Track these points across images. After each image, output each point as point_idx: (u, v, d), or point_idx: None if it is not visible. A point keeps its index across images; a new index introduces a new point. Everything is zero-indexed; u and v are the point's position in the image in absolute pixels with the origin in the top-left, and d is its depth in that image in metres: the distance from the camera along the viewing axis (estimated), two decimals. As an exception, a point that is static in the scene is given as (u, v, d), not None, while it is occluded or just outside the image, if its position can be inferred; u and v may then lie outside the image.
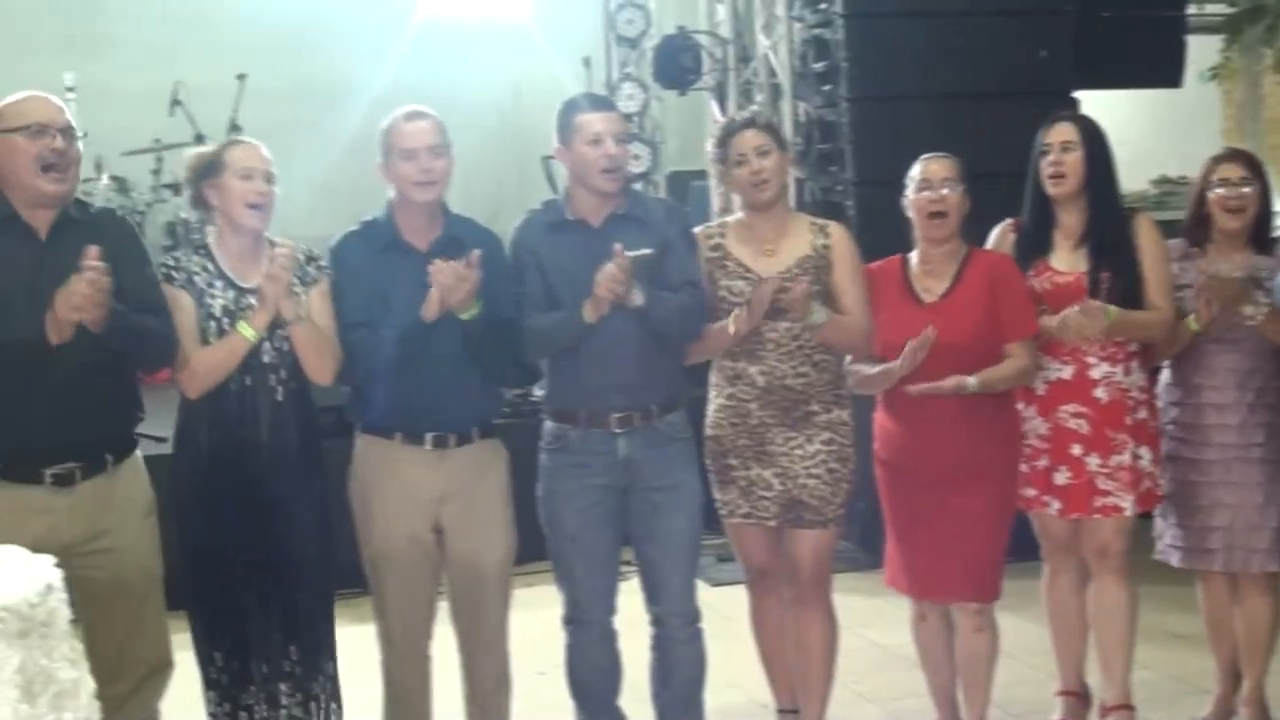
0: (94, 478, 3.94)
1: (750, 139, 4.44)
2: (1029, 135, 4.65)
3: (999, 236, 4.72)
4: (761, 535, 4.54)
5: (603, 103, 4.54)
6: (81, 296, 3.66)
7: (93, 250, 3.68)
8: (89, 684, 2.75)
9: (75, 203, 4.04)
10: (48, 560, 2.79)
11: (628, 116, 4.48)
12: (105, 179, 9.02)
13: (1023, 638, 5.17)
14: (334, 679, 4.27)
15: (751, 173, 4.41)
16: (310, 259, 4.18)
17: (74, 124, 3.94)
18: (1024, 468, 4.59)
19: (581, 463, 4.35)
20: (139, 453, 4.13)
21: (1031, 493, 4.61)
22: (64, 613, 2.71)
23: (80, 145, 3.96)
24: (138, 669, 4.01)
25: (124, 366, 4.03)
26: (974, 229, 4.58)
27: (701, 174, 9.33)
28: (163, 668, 4.11)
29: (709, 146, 4.63)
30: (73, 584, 3.25)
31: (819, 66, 7.69)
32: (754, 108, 7.24)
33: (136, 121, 9.16)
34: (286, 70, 9.68)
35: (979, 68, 7.29)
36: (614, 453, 4.33)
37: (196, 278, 4.10)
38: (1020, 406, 4.59)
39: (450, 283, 4.01)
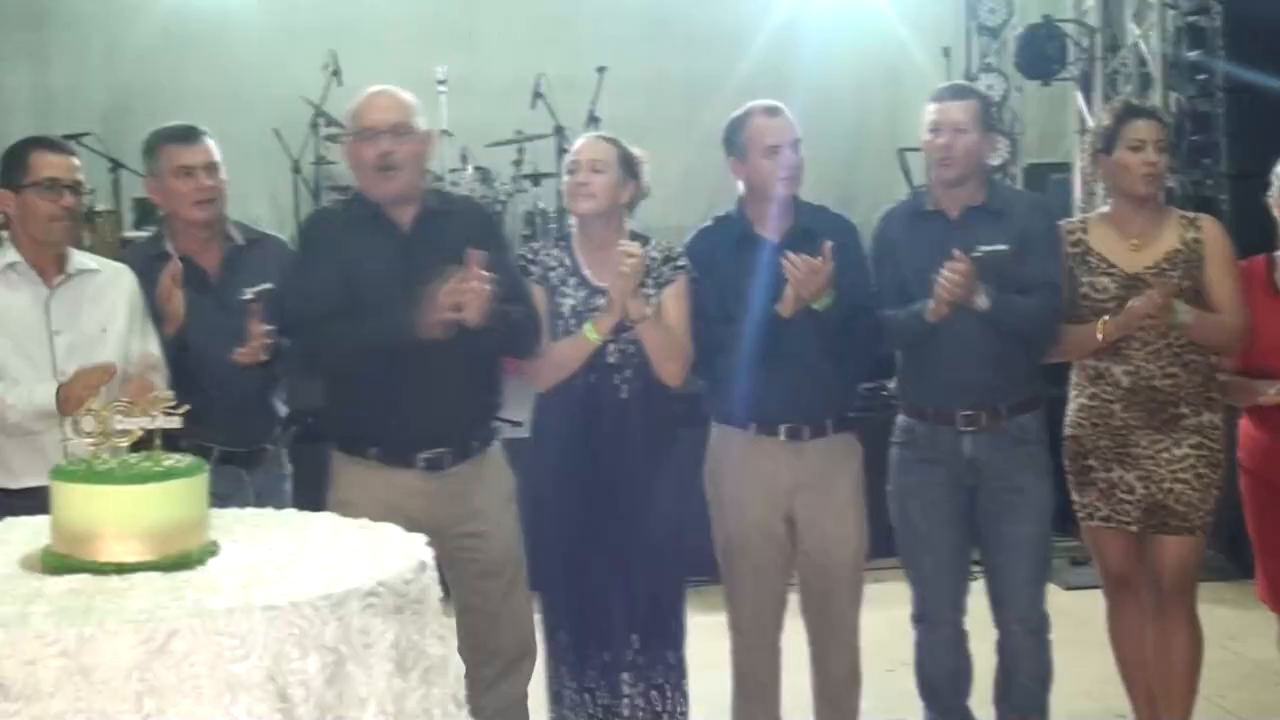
0: (462, 463, 4.05)
1: (1152, 129, 4.31)
2: None
3: None
4: (1122, 540, 4.38)
5: (949, 92, 4.44)
6: (463, 296, 3.76)
7: (477, 255, 3.78)
8: (457, 662, 2.83)
9: (435, 193, 4.18)
10: (420, 539, 2.89)
11: (991, 108, 4.38)
12: (470, 170, 9.30)
13: None
14: (678, 668, 4.29)
15: (1146, 163, 4.26)
16: (668, 259, 4.20)
17: (409, 120, 4.00)
18: None
19: (928, 459, 4.31)
20: (498, 440, 4.23)
21: None
22: (435, 590, 2.79)
23: (416, 139, 4.01)
24: (505, 652, 4.11)
25: (490, 355, 4.13)
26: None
27: (1062, 166, 9.10)
28: (529, 653, 4.19)
29: (1103, 121, 4.47)
30: (444, 567, 3.35)
31: (1193, 55, 7.39)
32: (1121, 97, 7.02)
33: (500, 114, 9.40)
34: (645, 63, 9.78)
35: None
36: (959, 451, 4.27)
37: (552, 273, 4.18)
38: None
39: (803, 275, 4.00)
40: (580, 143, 4.29)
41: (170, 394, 2.85)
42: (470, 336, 3.85)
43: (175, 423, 2.81)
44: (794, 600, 4.37)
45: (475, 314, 3.78)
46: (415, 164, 4.04)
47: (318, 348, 4.00)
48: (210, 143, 4.23)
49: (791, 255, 4.01)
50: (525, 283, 4.13)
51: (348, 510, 3.49)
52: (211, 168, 4.20)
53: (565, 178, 4.23)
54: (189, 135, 4.22)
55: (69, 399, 3.65)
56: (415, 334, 3.81)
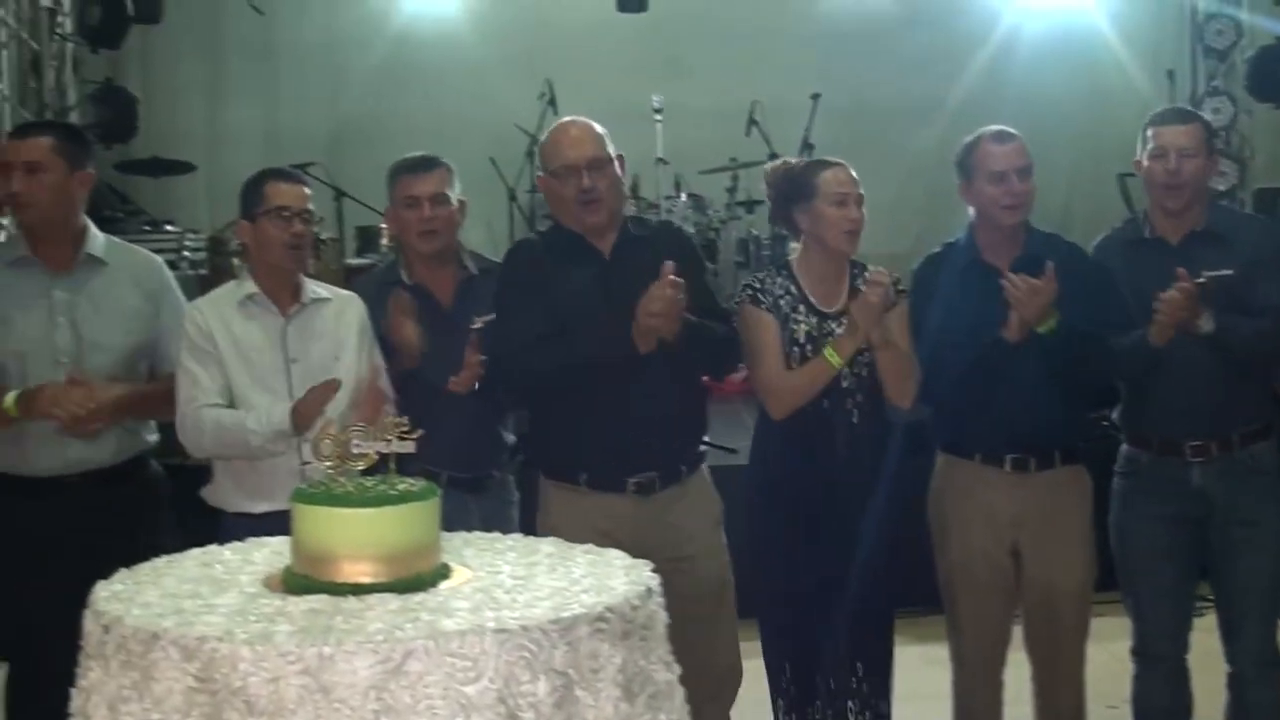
0: (670, 487, 4.07)
1: None
2: None
3: None
4: (1361, 576, 4.23)
5: (1173, 116, 4.33)
6: (662, 304, 3.79)
7: (669, 265, 3.81)
8: (680, 688, 2.84)
9: (635, 219, 4.22)
10: (646, 565, 2.92)
11: (1214, 132, 4.25)
12: (684, 197, 9.36)
13: None
14: (890, 698, 4.25)
15: None
16: (892, 282, 4.17)
17: (604, 152, 4.03)
18: None
19: (1152, 491, 4.20)
20: (705, 464, 4.23)
21: None
22: (661, 616, 2.81)
23: (612, 169, 4.04)
24: (710, 676, 4.04)
25: (694, 377, 4.15)
26: None
27: (1294, 191, 8.84)
28: (734, 678, 4.18)
29: None
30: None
31: None
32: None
33: (714, 140, 9.47)
34: (857, 88, 9.76)
35: None
36: (1187, 482, 4.15)
37: (781, 301, 4.15)
38: None
39: (1024, 296, 3.94)
40: (842, 173, 4.15)
41: (405, 419, 2.91)
42: (673, 356, 3.88)
43: (410, 447, 2.86)
44: (1018, 633, 4.30)
45: (671, 324, 3.82)
46: (615, 194, 4.09)
47: (522, 375, 4.04)
48: (441, 174, 4.32)
49: (1012, 275, 3.96)
50: (719, 302, 4.15)
51: (558, 536, 3.53)
52: (439, 199, 4.28)
53: (832, 209, 4.08)
54: (419, 166, 4.32)
55: (303, 415, 3.78)
56: (615, 350, 3.86)
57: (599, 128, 4.10)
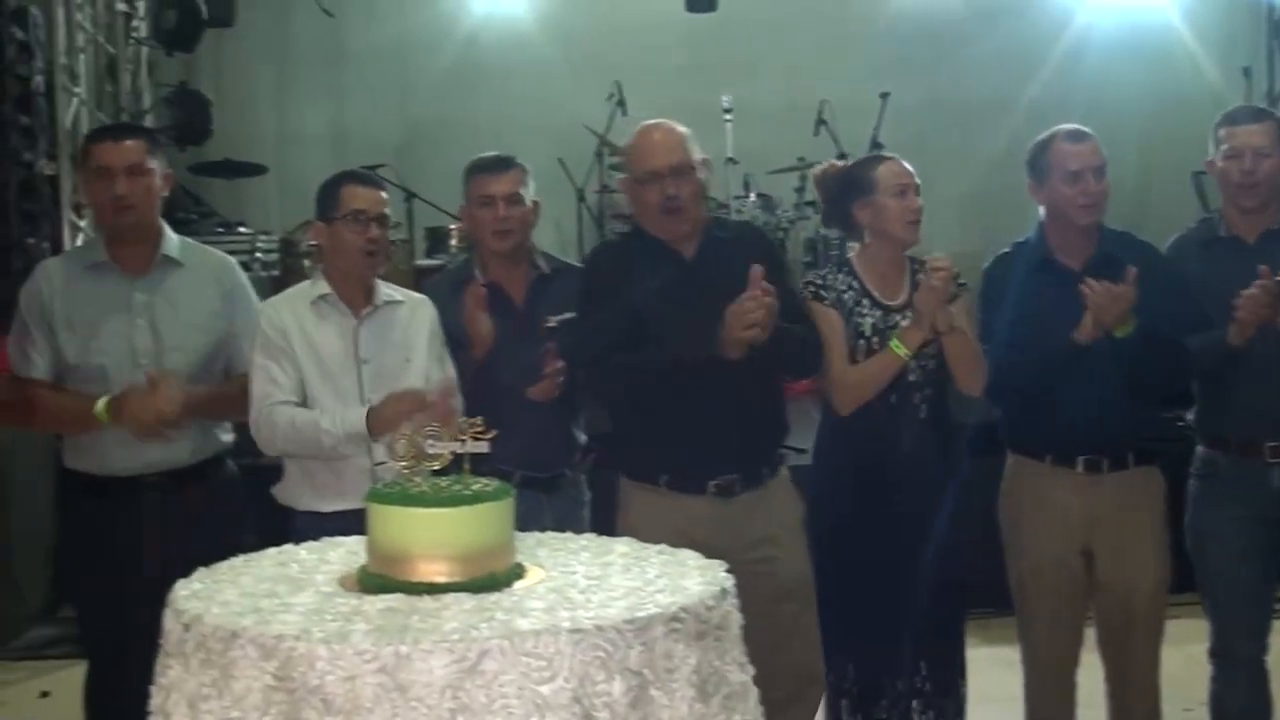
0: (752, 489, 4.06)
1: None
2: None
3: None
4: None
5: (1246, 115, 4.29)
6: (754, 315, 3.76)
7: (758, 270, 3.79)
8: (755, 689, 2.84)
9: (716, 221, 4.21)
10: (721, 565, 2.91)
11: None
12: (753, 196, 9.36)
13: None
14: (963, 699, 4.22)
15: None
16: (953, 275, 4.13)
17: (689, 157, 4.01)
18: None
19: (1230, 493, 4.16)
20: (785, 466, 4.22)
21: None
22: (736, 617, 2.82)
23: (696, 175, 4.03)
24: (792, 678, 4.05)
25: (775, 380, 4.14)
26: None
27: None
28: (817, 680, 4.14)
29: None
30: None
31: None
32: None
33: (783, 140, 9.44)
34: (926, 88, 9.71)
35: None
36: (1266, 484, 4.12)
37: (844, 295, 4.14)
38: None
39: (1104, 301, 3.90)
40: (895, 165, 4.15)
41: (480, 419, 2.91)
42: (757, 359, 3.86)
43: (484, 448, 2.87)
44: (1090, 635, 4.26)
45: (764, 330, 3.79)
46: (698, 200, 4.08)
47: (605, 379, 4.05)
48: (516, 173, 4.35)
49: (1091, 281, 3.93)
50: (804, 304, 4.12)
51: (637, 536, 3.53)
52: (513, 199, 4.31)
53: (893, 200, 4.09)
54: (495, 165, 4.36)
55: (380, 421, 3.79)
56: (699, 356, 3.84)
57: (683, 130, 4.08)
